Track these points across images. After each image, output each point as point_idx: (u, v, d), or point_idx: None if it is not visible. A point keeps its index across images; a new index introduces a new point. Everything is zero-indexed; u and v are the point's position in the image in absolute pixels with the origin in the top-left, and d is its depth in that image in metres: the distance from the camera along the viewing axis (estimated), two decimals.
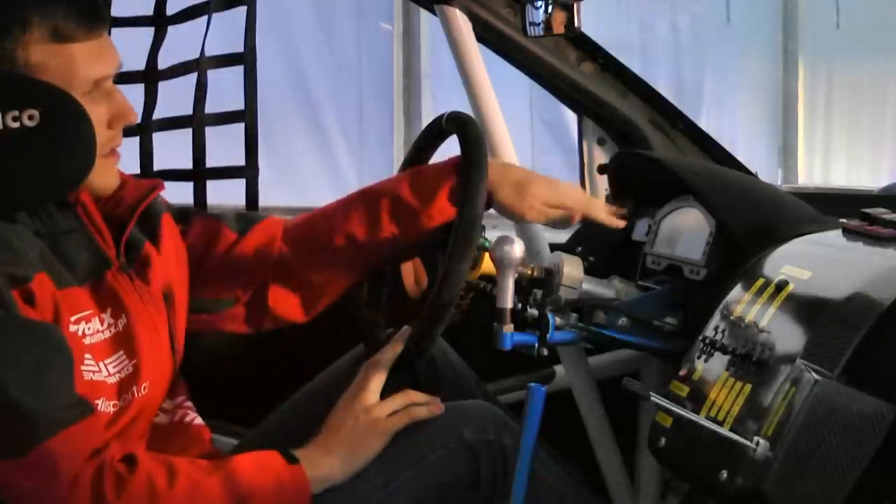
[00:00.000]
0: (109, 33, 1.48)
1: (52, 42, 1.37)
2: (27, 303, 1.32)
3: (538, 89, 2.40)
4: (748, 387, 1.34)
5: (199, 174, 2.16)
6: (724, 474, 1.27)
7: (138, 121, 1.49)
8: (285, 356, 1.98)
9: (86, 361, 1.38)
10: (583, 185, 2.44)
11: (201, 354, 1.71)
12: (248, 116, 2.12)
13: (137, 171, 2.14)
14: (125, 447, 1.38)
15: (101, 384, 1.39)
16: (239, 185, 2.14)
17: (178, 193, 2.17)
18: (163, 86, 2.18)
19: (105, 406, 1.40)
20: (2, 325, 1.29)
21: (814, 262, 1.46)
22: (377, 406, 1.53)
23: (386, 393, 1.55)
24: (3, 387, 1.26)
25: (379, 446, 1.50)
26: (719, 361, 1.41)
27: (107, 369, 1.40)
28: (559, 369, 2.15)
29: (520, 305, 1.64)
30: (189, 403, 1.61)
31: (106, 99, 1.43)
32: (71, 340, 1.35)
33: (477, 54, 2.03)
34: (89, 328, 1.39)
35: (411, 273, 1.86)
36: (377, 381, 1.55)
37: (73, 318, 1.37)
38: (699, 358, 1.45)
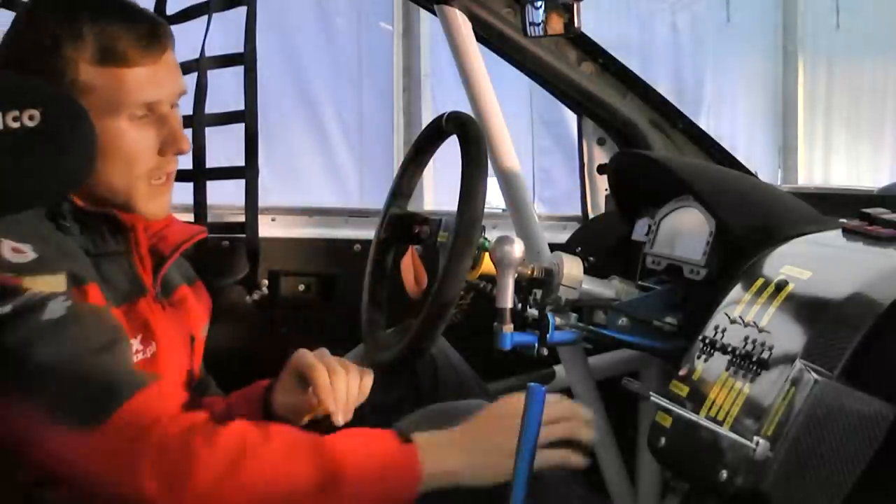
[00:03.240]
0: None
1: (102, 65, 1.36)
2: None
3: (538, 89, 2.40)
4: (748, 387, 1.34)
5: (199, 174, 2.16)
6: (724, 474, 1.27)
7: (189, 149, 1.47)
8: (285, 357, 1.98)
9: None
10: (583, 184, 2.45)
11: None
12: (248, 116, 2.12)
13: None
14: None
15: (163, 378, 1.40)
16: (239, 185, 2.14)
17: (179, 193, 2.18)
18: None
19: None
20: (69, 310, 1.29)
21: (814, 262, 1.46)
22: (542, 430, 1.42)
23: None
24: (77, 359, 1.27)
25: (499, 479, 1.38)
26: (719, 361, 1.41)
27: None
28: (559, 369, 2.15)
29: (520, 305, 1.64)
30: None
31: (157, 124, 1.41)
32: None
33: (477, 54, 2.03)
34: None
35: (411, 273, 1.86)
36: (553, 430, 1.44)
37: None
38: (699, 358, 1.46)
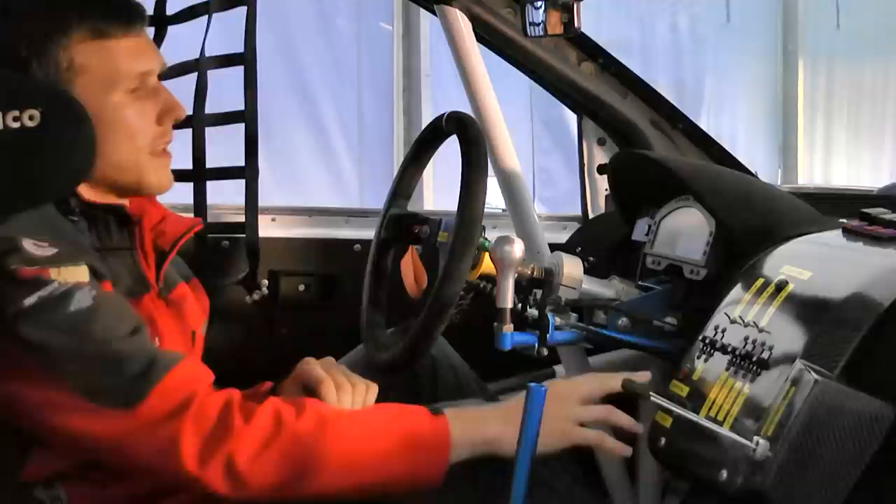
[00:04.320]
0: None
1: (92, 40, 1.40)
2: None
3: (538, 89, 2.40)
4: (748, 387, 1.34)
5: (199, 174, 2.16)
6: (724, 474, 1.27)
7: (185, 115, 1.52)
8: (285, 357, 1.98)
9: None
10: (583, 184, 2.45)
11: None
12: (248, 116, 2.12)
13: None
14: None
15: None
16: (239, 185, 2.14)
17: (179, 194, 2.18)
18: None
19: None
20: (97, 298, 1.32)
21: (814, 262, 1.46)
22: (581, 408, 1.47)
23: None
24: (109, 343, 1.30)
25: (556, 446, 1.44)
26: (719, 361, 1.41)
27: None
28: (559, 369, 2.15)
29: (520, 305, 1.64)
30: None
31: (153, 95, 1.46)
32: None
33: (477, 54, 2.03)
34: None
35: (411, 273, 1.86)
36: (595, 392, 1.48)
37: None
38: (699, 358, 1.46)
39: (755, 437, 1.25)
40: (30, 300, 1.27)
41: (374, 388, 1.52)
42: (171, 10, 2.17)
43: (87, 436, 1.30)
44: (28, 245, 1.30)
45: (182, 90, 2.10)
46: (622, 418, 1.48)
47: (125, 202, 1.49)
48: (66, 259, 1.31)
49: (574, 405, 1.47)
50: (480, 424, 1.43)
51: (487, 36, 2.11)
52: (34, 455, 1.37)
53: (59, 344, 1.28)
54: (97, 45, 1.41)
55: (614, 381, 1.49)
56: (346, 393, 1.49)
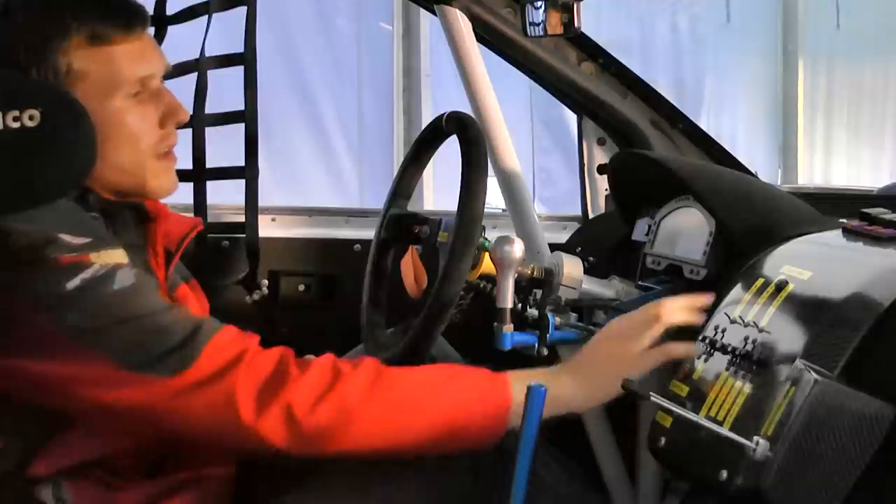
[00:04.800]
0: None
1: (91, 45, 1.39)
2: None
3: (538, 89, 2.40)
4: (748, 387, 1.34)
5: (200, 174, 2.16)
6: (724, 474, 1.27)
7: (188, 118, 1.52)
8: None
9: None
10: (583, 184, 2.45)
11: None
12: (247, 117, 2.12)
13: None
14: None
15: None
16: (239, 185, 2.14)
17: (179, 194, 2.18)
18: None
19: None
20: (138, 276, 1.34)
21: (814, 262, 1.46)
22: (638, 340, 1.45)
23: None
24: (154, 316, 1.32)
25: (613, 390, 1.43)
26: (719, 361, 1.41)
27: None
28: None
29: (520, 305, 1.64)
30: None
31: (154, 99, 1.45)
32: None
33: (477, 54, 2.03)
34: None
35: (411, 273, 1.86)
36: (656, 329, 1.46)
37: None
38: (699, 358, 1.45)
39: (755, 437, 1.25)
40: (73, 283, 1.28)
41: None
42: (171, 10, 2.17)
43: (138, 408, 1.30)
44: (65, 236, 1.31)
45: (182, 90, 2.11)
46: (678, 350, 1.46)
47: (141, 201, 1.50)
48: (104, 244, 1.33)
49: (628, 342, 1.45)
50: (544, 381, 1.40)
51: (487, 36, 2.11)
52: (41, 454, 1.37)
53: (104, 322, 1.29)
54: (96, 50, 1.40)
55: (672, 317, 1.47)
56: None
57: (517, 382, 1.41)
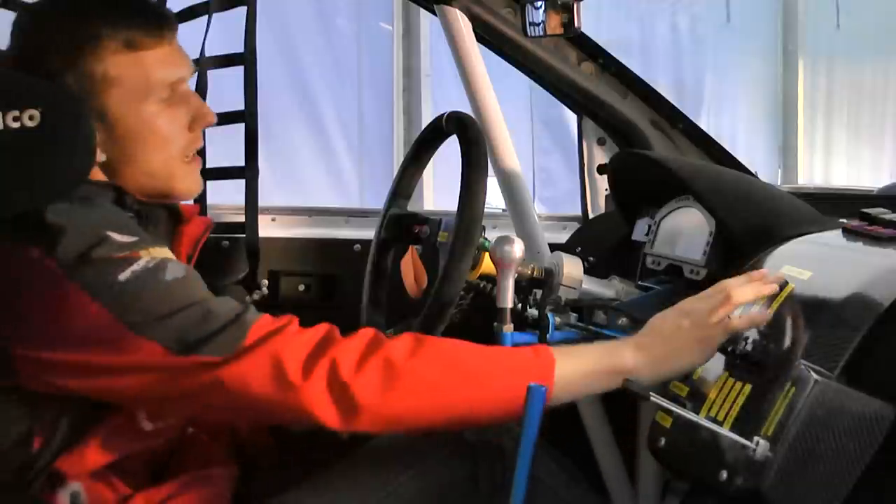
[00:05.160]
0: None
1: (125, 51, 1.41)
2: None
3: (538, 89, 2.40)
4: (748, 387, 1.34)
5: (199, 174, 2.16)
6: (724, 474, 1.27)
7: (215, 121, 1.54)
8: None
9: None
10: (583, 184, 2.45)
11: None
12: (248, 116, 2.12)
13: None
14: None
15: None
16: (239, 185, 2.14)
17: None
18: None
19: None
20: (187, 270, 1.35)
21: (814, 262, 1.46)
22: (708, 318, 1.39)
23: None
24: (207, 299, 1.33)
25: (700, 359, 1.39)
26: (719, 361, 1.41)
27: None
28: None
29: (520, 305, 1.64)
30: None
31: (184, 103, 1.47)
32: None
33: (477, 54, 2.03)
34: None
35: (411, 273, 1.86)
36: (726, 309, 1.39)
37: None
38: None
39: (755, 437, 1.25)
40: (124, 275, 1.29)
41: None
42: (171, 9, 2.16)
43: (191, 391, 1.31)
44: (114, 234, 1.32)
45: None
46: (742, 322, 1.40)
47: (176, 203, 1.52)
48: (150, 242, 1.34)
49: (702, 316, 1.40)
50: (606, 355, 1.39)
51: (487, 36, 2.11)
52: (66, 456, 1.37)
53: (158, 311, 1.30)
54: (129, 56, 1.41)
55: (741, 295, 1.41)
56: None
57: (564, 358, 1.37)
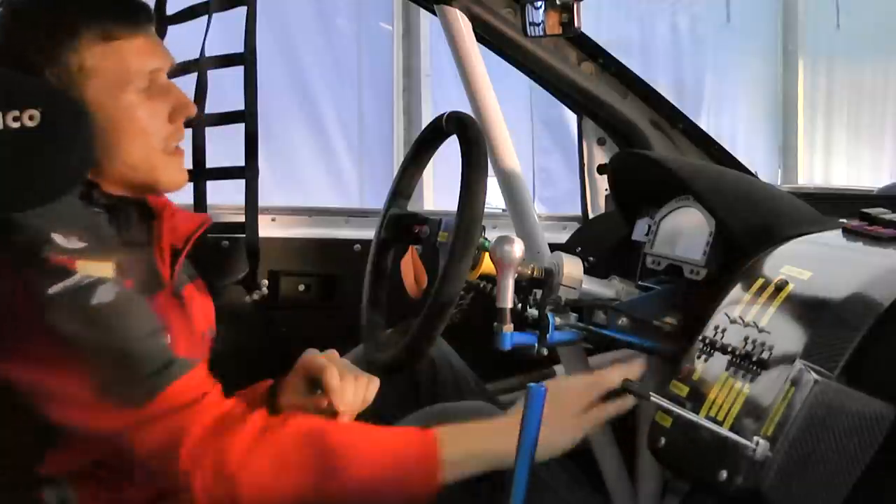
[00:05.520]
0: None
1: (102, 42, 1.41)
2: None
3: (538, 89, 2.40)
4: (748, 387, 1.34)
5: (200, 175, 2.16)
6: (724, 474, 1.27)
7: (195, 113, 1.54)
8: (285, 357, 1.98)
9: None
10: (583, 184, 2.45)
11: None
12: (248, 116, 2.12)
13: None
14: None
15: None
16: (239, 185, 2.14)
17: (179, 194, 2.18)
18: None
19: None
20: (120, 295, 1.33)
21: (814, 262, 1.46)
22: (576, 403, 1.47)
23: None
24: (127, 342, 1.31)
25: (565, 445, 1.45)
26: (719, 361, 1.41)
27: None
28: (559, 369, 2.14)
29: (520, 305, 1.64)
30: None
31: (164, 94, 1.47)
32: None
33: (477, 54, 2.03)
34: None
35: (411, 273, 1.86)
36: (594, 389, 1.50)
37: None
38: (699, 358, 1.46)
39: (755, 437, 1.25)
40: (55, 289, 1.29)
41: (376, 383, 1.52)
42: (171, 10, 2.17)
43: (95, 430, 1.32)
44: (58, 238, 1.31)
45: (182, 90, 2.11)
46: (614, 408, 1.49)
47: (145, 197, 1.51)
48: (93, 253, 1.33)
49: (574, 405, 1.47)
50: (478, 441, 1.43)
51: (487, 36, 2.11)
52: (47, 453, 1.37)
53: (79, 335, 1.29)
54: (107, 46, 1.42)
55: (611, 377, 1.50)
56: (349, 382, 1.49)
57: (448, 441, 1.40)
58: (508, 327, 1.57)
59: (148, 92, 1.45)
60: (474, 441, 1.43)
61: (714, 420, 1.33)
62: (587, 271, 1.68)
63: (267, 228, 2.33)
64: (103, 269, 1.33)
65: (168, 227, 1.52)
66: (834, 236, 1.58)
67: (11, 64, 1.39)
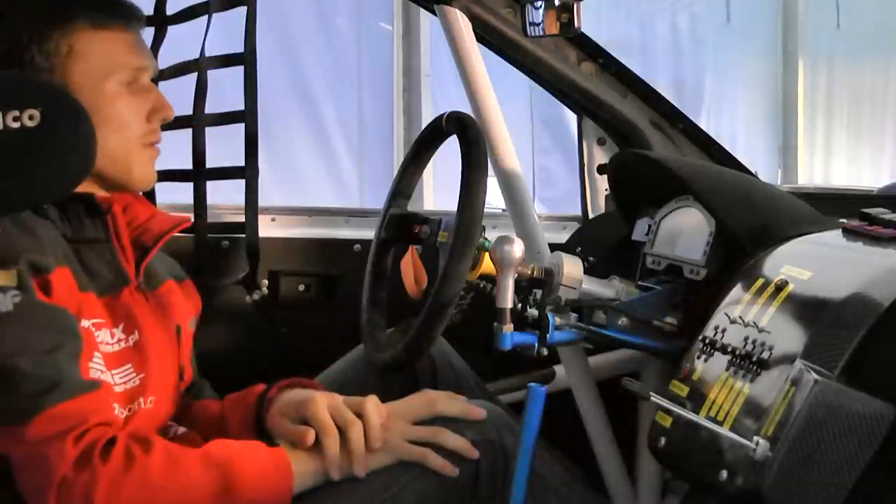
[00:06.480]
0: None
1: (93, 30, 1.45)
2: (44, 292, 1.34)
3: (538, 89, 2.40)
4: (748, 387, 1.34)
5: (200, 175, 2.16)
6: (724, 474, 1.27)
7: (174, 117, 1.57)
8: (285, 357, 1.98)
9: (95, 359, 1.39)
10: (583, 184, 2.45)
11: (199, 356, 1.71)
12: (247, 117, 2.12)
13: None
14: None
15: (108, 384, 1.40)
16: (239, 185, 2.14)
17: (179, 193, 2.18)
18: (163, 86, 2.17)
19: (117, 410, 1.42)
20: (20, 306, 1.31)
21: (814, 262, 1.46)
22: (409, 427, 1.48)
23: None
24: (14, 359, 1.28)
25: (382, 464, 1.45)
26: (719, 361, 1.41)
27: (113, 378, 1.42)
28: (559, 369, 2.15)
29: (520, 305, 1.64)
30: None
31: (145, 92, 1.51)
32: (84, 333, 1.37)
33: (477, 54, 2.03)
34: (99, 336, 1.41)
35: (411, 273, 1.86)
36: (420, 411, 1.50)
37: (88, 319, 1.39)
38: (699, 358, 1.46)
39: (755, 437, 1.25)
40: None
41: (373, 400, 1.50)
42: (171, 10, 2.16)
43: None
44: None
45: (182, 90, 2.11)
46: (450, 440, 1.47)
47: (95, 192, 1.49)
48: (7, 259, 1.31)
49: (402, 423, 1.47)
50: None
51: (487, 36, 2.11)
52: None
53: None
54: (97, 33, 1.46)
55: (446, 405, 1.50)
56: (350, 440, 1.46)
57: (295, 456, 1.42)
58: (508, 327, 1.57)
59: (130, 87, 1.49)
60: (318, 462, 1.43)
61: (714, 420, 1.33)
62: (587, 271, 1.68)
63: (267, 228, 2.32)
64: (4, 277, 1.30)
65: (135, 227, 1.52)
66: (834, 236, 1.58)
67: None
